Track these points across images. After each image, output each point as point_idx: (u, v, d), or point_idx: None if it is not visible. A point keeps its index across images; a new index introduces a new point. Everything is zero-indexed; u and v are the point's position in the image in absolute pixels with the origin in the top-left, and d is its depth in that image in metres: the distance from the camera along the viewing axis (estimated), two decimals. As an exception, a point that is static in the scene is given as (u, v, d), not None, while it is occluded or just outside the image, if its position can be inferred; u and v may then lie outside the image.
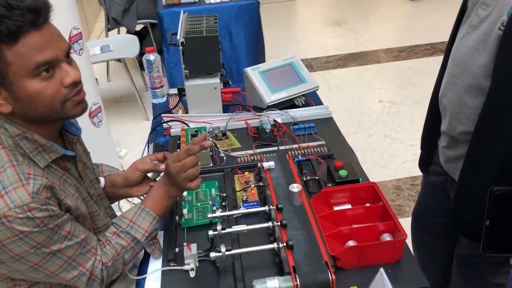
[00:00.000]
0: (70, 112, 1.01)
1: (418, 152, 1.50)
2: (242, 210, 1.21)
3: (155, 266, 1.16)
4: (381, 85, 3.92)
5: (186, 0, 3.15)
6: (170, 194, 1.17)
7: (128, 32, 4.09)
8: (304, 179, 1.31)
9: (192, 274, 1.11)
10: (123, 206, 2.11)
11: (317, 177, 1.33)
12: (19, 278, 1.04)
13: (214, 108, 1.70)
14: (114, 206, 1.39)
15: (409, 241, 1.72)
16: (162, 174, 1.23)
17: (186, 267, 1.11)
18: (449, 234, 1.44)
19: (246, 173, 1.39)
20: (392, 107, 3.58)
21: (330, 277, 0.99)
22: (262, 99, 1.70)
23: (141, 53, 3.81)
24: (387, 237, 1.12)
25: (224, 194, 1.31)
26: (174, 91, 1.83)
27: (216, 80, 1.67)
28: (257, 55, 3.27)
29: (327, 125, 1.67)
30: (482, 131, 1.07)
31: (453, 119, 1.18)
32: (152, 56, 1.86)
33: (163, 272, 1.12)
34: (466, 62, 1.09)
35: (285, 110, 1.67)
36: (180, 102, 1.77)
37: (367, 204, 1.23)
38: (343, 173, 1.30)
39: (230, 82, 1.92)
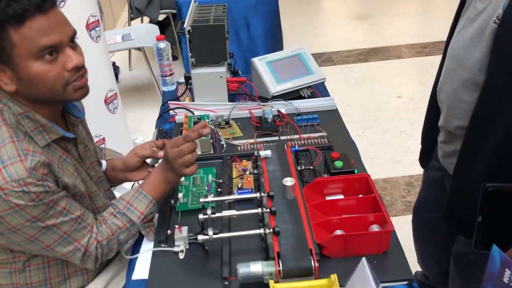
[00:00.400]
0: (70, 96, 1.04)
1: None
2: (234, 196, 1.24)
3: (148, 247, 1.19)
4: (401, 81, 3.86)
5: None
6: (168, 179, 1.19)
7: (151, 21, 4.16)
8: (299, 168, 1.32)
9: (181, 255, 1.13)
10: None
11: (312, 167, 1.34)
12: (18, 250, 1.09)
13: (220, 96, 1.72)
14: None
15: (410, 237, 1.72)
16: (160, 160, 1.27)
17: (175, 249, 1.14)
18: (448, 231, 1.43)
19: (244, 161, 1.41)
20: (411, 103, 3.53)
21: (313, 264, 1.00)
22: (267, 89, 1.71)
23: (163, 43, 3.88)
24: (375, 228, 1.12)
25: (220, 181, 1.33)
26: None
27: (222, 69, 1.69)
28: (275, 47, 3.27)
29: (331, 117, 1.67)
30: (475, 126, 1.06)
31: (449, 114, 1.17)
32: (162, 44, 1.89)
33: (154, 253, 1.15)
34: (462, 56, 1.08)
35: (289, 101, 1.68)
36: (187, 90, 1.80)
37: (360, 196, 1.23)
38: (338, 164, 1.30)
39: (240, 72, 1.95)
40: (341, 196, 1.24)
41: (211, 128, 1.53)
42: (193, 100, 1.75)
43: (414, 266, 1.83)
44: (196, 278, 1.07)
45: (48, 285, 1.17)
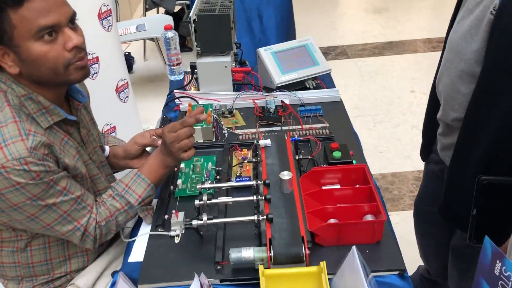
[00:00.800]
0: (71, 76, 1.06)
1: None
2: (231, 183, 1.25)
3: (145, 231, 1.21)
4: (415, 75, 3.82)
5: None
6: (166, 163, 1.21)
7: (167, 12, 4.19)
8: (298, 158, 1.32)
9: (177, 240, 1.16)
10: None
11: (310, 157, 1.34)
12: (20, 229, 1.13)
13: (225, 86, 1.73)
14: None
15: (412, 233, 1.71)
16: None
17: (172, 233, 1.16)
18: (448, 225, 1.42)
19: (244, 150, 1.42)
20: (424, 98, 3.48)
21: (304, 251, 1.01)
22: (272, 80, 1.72)
23: (178, 35, 3.90)
24: (369, 218, 1.12)
25: (220, 168, 1.35)
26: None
27: (227, 59, 1.70)
28: (287, 39, 3.22)
29: (334, 109, 1.67)
30: (471, 119, 1.05)
31: (446, 106, 1.16)
32: (170, 34, 1.91)
33: (150, 236, 1.17)
34: (459, 47, 1.07)
35: (293, 92, 1.68)
36: (193, 79, 1.81)
37: (357, 186, 1.23)
38: (336, 154, 1.31)
39: (248, 63, 1.96)
40: (338, 186, 1.24)
41: (213, 117, 1.54)
42: (199, 89, 1.77)
43: (417, 260, 1.83)
44: (189, 262, 1.09)
45: (49, 265, 1.20)
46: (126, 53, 4.12)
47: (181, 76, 1.99)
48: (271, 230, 1.06)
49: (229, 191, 1.28)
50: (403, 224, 2.31)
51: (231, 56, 1.72)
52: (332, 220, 1.13)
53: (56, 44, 1.01)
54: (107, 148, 1.40)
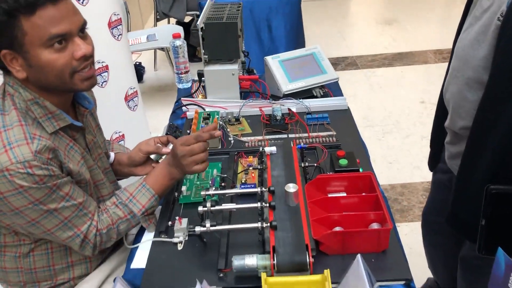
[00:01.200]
0: (77, 86, 1.07)
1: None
2: (235, 190, 1.24)
3: (149, 237, 1.20)
4: (425, 86, 3.79)
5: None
6: (172, 175, 1.21)
7: (178, 23, 4.22)
8: (303, 165, 1.31)
9: (180, 247, 1.14)
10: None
11: (315, 164, 1.33)
12: (22, 233, 1.13)
13: (232, 94, 1.73)
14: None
15: (421, 244, 1.68)
16: (164, 156, 1.28)
17: (175, 240, 1.15)
18: (456, 235, 1.40)
19: (250, 157, 1.41)
20: (434, 109, 3.43)
21: (307, 259, 0.99)
22: (279, 87, 1.71)
23: (188, 44, 3.93)
24: (375, 226, 1.10)
25: (225, 175, 1.34)
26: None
27: (235, 67, 1.70)
28: (296, 48, 3.23)
29: (341, 117, 1.66)
30: (479, 126, 1.03)
31: (454, 114, 1.14)
32: (178, 42, 1.92)
33: (154, 243, 1.16)
34: (466, 54, 1.06)
35: (300, 99, 1.68)
36: (200, 87, 1.81)
37: (363, 194, 1.21)
38: (343, 162, 1.29)
39: (255, 71, 1.96)
40: (344, 194, 1.22)
41: (220, 124, 1.54)
42: (206, 97, 1.77)
43: (426, 272, 1.80)
44: (192, 269, 1.08)
45: (51, 271, 1.20)
46: (137, 63, 4.16)
47: (189, 84, 2.00)
48: (275, 238, 1.04)
49: (233, 198, 1.27)
50: (412, 235, 2.28)
51: (238, 64, 1.72)
52: (337, 228, 1.11)
53: (65, 52, 1.02)
54: (112, 155, 1.40)
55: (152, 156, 1.37)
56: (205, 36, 1.66)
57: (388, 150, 3.03)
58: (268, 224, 1.07)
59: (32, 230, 1.08)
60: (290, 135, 1.54)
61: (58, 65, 1.02)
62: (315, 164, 1.33)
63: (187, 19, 4.30)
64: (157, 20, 4.14)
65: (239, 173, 1.35)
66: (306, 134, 1.53)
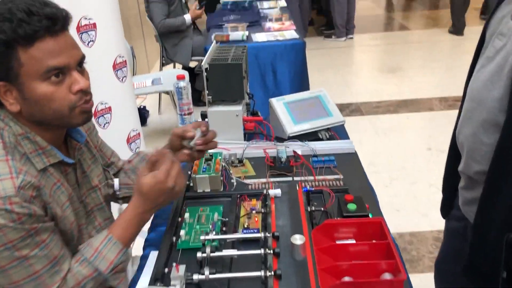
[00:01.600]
0: (75, 119, 1.04)
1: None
2: (237, 235, 1.17)
3: (143, 284, 1.12)
4: (432, 133, 3.76)
5: (234, 38, 3.25)
6: (144, 220, 1.09)
7: (184, 68, 4.26)
8: (310, 209, 1.24)
9: (176, 295, 1.06)
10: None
11: (322, 209, 1.26)
12: None
13: (236, 135, 1.69)
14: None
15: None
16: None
17: (171, 288, 1.07)
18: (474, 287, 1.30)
19: (253, 200, 1.34)
20: (441, 156, 3.40)
21: (314, 313, 0.91)
22: (284, 129, 1.67)
23: (193, 89, 3.94)
24: (387, 276, 1.02)
25: (226, 219, 1.27)
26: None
27: (239, 108, 1.67)
28: (301, 94, 3.27)
29: (348, 160, 1.60)
30: (496, 170, 0.97)
31: (469, 158, 1.08)
32: (182, 83, 1.89)
33: (148, 291, 1.08)
34: (481, 95, 1.01)
35: (306, 142, 1.63)
36: (203, 128, 1.77)
37: (374, 241, 1.14)
38: (351, 206, 1.22)
39: (260, 113, 1.92)
40: (353, 241, 1.14)
41: (222, 165, 1.48)
42: (209, 139, 1.72)
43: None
44: (188, 321, 0.99)
45: None
46: (141, 107, 4.16)
47: (192, 126, 1.95)
48: (279, 287, 0.96)
49: (235, 244, 1.19)
50: (423, 288, 2.16)
51: (242, 105, 1.69)
52: (346, 278, 1.03)
53: (62, 86, 0.99)
54: (116, 182, 1.33)
55: (184, 142, 1.26)
56: (210, 77, 1.64)
57: (395, 197, 2.95)
58: (272, 273, 1.00)
59: None
60: (296, 178, 1.47)
61: (54, 99, 0.98)
62: (322, 209, 1.26)
63: (192, 64, 4.35)
64: (162, 64, 4.19)
65: (242, 217, 1.28)
66: (312, 177, 1.47)
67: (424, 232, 2.61)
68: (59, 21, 0.97)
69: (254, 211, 1.29)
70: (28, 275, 0.97)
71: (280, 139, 1.69)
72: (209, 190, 1.43)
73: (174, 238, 1.22)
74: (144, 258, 1.25)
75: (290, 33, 3.37)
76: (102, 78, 2.30)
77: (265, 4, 4.51)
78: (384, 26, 7.45)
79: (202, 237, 1.11)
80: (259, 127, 1.75)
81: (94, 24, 2.21)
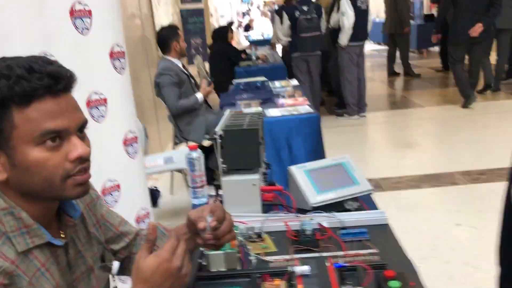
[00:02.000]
0: (68, 192, 0.89)
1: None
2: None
3: None
4: (459, 208, 3.53)
5: (247, 112, 3.18)
6: None
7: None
8: (344, 289, 1.04)
9: None
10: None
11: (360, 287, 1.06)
12: None
13: (253, 207, 1.52)
14: None
15: None
16: None
17: None
18: None
19: (277, 280, 1.15)
20: (473, 232, 3.15)
21: None
22: (306, 200, 1.50)
23: (207, 167, 3.84)
24: None
25: (245, 303, 1.07)
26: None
27: (256, 176, 1.52)
28: (318, 169, 3.13)
29: (382, 233, 1.42)
30: None
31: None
32: (195, 154, 1.78)
33: None
34: None
35: (333, 213, 1.45)
36: (217, 201, 1.62)
37: (427, 328, 0.93)
38: (394, 284, 1.02)
39: (277, 184, 1.77)
40: (401, 327, 0.94)
41: (239, 240, 1.30)
42: (223, 212, 1.56)
43: None
44: None
45: None
46: (153, 187, 4.03)
47: (205, 200, 1.80)
48: None
49: (257, 334, 0.99)
50: None
51: (259, 174, 1.55)
52: None
53: (58, 152, 0.86)
54: (115, 265, 1.15)
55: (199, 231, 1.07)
56: (224, 144, 1.52)
57: (428, 278, 2.66)
58: None
59: None
60: (323, 254, 1.28)
61: (48, 166, 0.85)
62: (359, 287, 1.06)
63: (206, 143, 4.28)
64: (175, 144, 4.13)
65: (264, 299, 1.08)
66: (342, 252, 1.28)
67: (467, 317, 2.31)
68: (62, 80, 0.87)
69: (278, 293, 1.10)
70: None
71: (302, 211, 1.52)
72: (224, 269, 1.24)
73: (183, 328, 1.02)
74: None
75: (304, 107, 3.31)
76: (111, 154, 2.20)
77: (277, 84, 4.54)
78: (396, 104, 7.47)
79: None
80: (279, 197, 1.59)
81: (105, 99, 2.15)
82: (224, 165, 1.53)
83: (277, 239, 1.39)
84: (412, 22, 11.02)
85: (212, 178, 4.22)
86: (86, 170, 0.90)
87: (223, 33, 6.42)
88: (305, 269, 1.09)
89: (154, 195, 3.94)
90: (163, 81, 3.80)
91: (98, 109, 2.12)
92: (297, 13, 5.82)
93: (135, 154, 2.37)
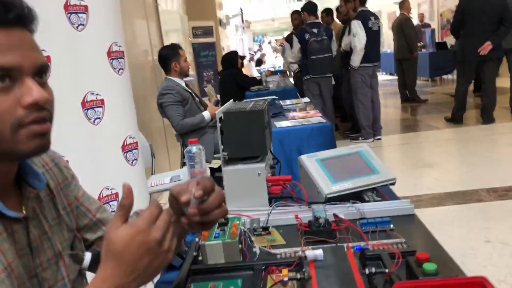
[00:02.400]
0: (22, 145, 0.72)
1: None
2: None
3: None
4: (487, 225, 3.27)
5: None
6: None
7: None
8: (367, 271, 0.84)
9: None
10: None
11: (386, 271, 0.86)
12: None
13: (258, 200, 1.34)
14: None
15: None
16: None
17: None
18: None
19: (284, 270, 0.95)
20: (504, 248, 2.89)
21: None
22: (319, 190, 1.32)
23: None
24: None
25: (246, 295, 0.88)
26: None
27: (261, 165, 1.34)
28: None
29: (408, 223, 1.22)
30: None
31: None
32: (195, 148, 1.61)
33: None
34: None
35: (351, 202, 1.26)
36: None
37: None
38: (430, 267, 0.82)
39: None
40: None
41: (241, 229, 1.11)
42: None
43: None
44: None
45: None
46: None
47: (206, 200, 1.62)
48: None
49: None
50: None
51: (265, 163, 1.37)
52: None
53: (7, 96, 0.71)
54: (87, 256, 0.96)
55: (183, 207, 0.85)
56: (224, 129, 1.35)
57: (459, 298, 2.41)
58: None
59: None
60: (340, 245, 1.09)
61: None
62: (386, 270, 0.86)
63: (215, 164, 4.12)
64: (183, 164, 3.97)
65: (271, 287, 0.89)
66: (363, 243, 1.08)
67: None
68: (15, 9, 0.72)
69: (288, 283, 0.89)
70: None
71: (314, 204, 1.33)
72: (223, 261, 1.04)
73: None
74: None
75: (316, 118, 3.14)
76: (110, 162, 2.05)
77: (288, 102, 4.40)
78: (412, 127, 7.26)
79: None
80: (288, 188, 1.40)
81: (102, 101, 2.02)
82: (225, 153, 1.36)
83: (286, 232, 1.20)
84: (424, 50, 10.94)
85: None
86: (45, 120, 0.74)
87: (232, 58, 6.36)
88: (318, 253, 0.90)
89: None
90: (165, 100, 3.68)
91: (94, 110, 1.99)
92: (307, 36, 5.75)
93: (135, 161, 2.22)
